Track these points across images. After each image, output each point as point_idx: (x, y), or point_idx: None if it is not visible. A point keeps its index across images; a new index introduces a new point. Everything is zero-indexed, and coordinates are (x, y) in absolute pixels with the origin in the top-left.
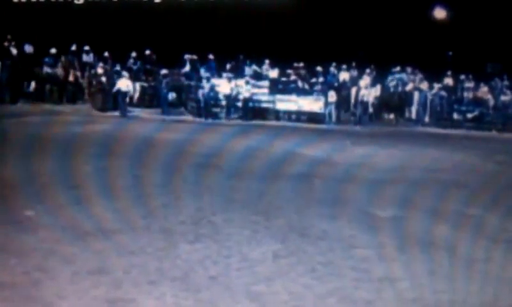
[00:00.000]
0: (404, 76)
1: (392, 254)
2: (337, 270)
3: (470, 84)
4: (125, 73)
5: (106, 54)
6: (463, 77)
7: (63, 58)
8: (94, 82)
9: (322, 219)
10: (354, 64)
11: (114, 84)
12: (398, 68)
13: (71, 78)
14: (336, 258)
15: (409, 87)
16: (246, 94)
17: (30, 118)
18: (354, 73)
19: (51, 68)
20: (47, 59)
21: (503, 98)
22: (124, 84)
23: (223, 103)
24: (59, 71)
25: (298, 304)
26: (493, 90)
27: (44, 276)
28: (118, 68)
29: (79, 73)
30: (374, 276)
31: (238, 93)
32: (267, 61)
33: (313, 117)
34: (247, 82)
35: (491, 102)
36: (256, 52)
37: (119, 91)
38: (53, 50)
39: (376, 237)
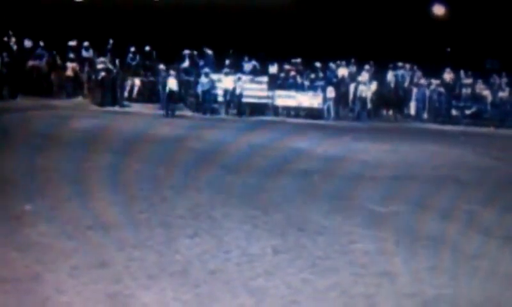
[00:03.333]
0: (403, 72)
1: (391, 249)
2: (336, 265)
3: (468, 81)
4: (172, 72)
5: (111, 42)
6: (461, 73)
7: (46, 53)
8: (93, 77)
9: (321, 214)
10: (353, 60)
11: (114, 79)
12: (398, 64)
13: (69, 73)
14: (335, 253)
15: (407, 83)
16: (239, 90)
17: (29, 113)
18: (353, 69)
19: (38, 60)
20: (38, 51)
21: (501, 94)
22: (173, 83)
23: (221, 98)
24: (44, 64)
25: (297, 298)
26: (491, 86)
27: (44, 270)
28: (117, 62)
29: (77, 67)
30: (373, 271)
31: (235, 89)
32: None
33: (312, 113)
34: (239, 79)
35: (489, 99)
36: (256, 47)
37: (170, 91)
38: (41, 43)
39: (374, 232)
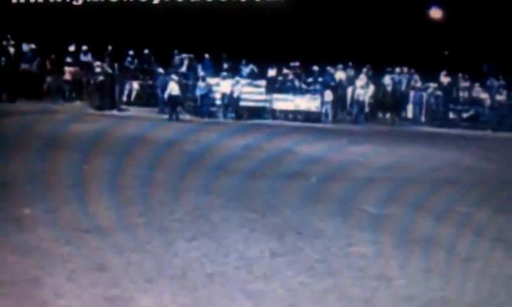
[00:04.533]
0: (400, 75)
1: (388, 252)
2: (334, 268)
3: (465, 84)
4: (174, 76)
5: (109, 46)
6: (458, 76)
7: (37, 57)
8: (91, 81)
9: (318, 218)
10: (350, 63)
11: (113, 83)
12: (396, 69)
13: (67, 77)
14: (333, 256)
15: (404, 86)
16: (236, 94)
17: (28, 117)
18: (351, 72)
19: (28, 64)
20: (28, 55)
21: (498, 97)
22: (174, 87)
23: (219, 102)
24: (35, 68)
25: (295, 302)
26: (489, 90)
27: (42, 274)
28: (115, 67)
29: (75, 71)
30: (370, 274)
31: (233, 92)
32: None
33: (309, 116)
34: (237, 82)
35: (487, 102)
36: (253, 51)
37: (170, 95)
38: (31, 46)
39: (372, 235)
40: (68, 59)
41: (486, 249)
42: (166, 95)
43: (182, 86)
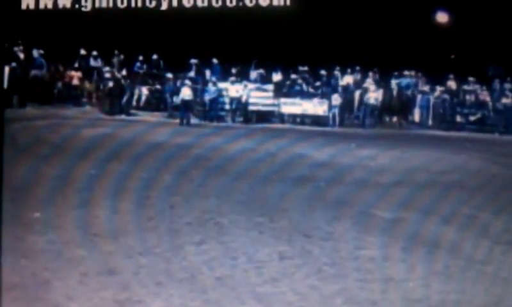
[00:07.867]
0: (407, 79)
1: (396, 255)
2: (342, 271)
3: (472, 87)
4: (187, 81)
5: (122, 57)
6: (465, 80)
7: (46, 63)
8: (101, 86)
9: (326, 221)
10: (357, 67)
11: (122, 88)
12: (403, 71)
13: (77, 82)
14: (342, 259)
15: (411, 90)
16: (245, 98)
17: (38, 122)
18: (358, 76)
19: (39, 69)
20: (38, 61)
21: (505, 100)
22: (187, 92)
23: (228, 106)
24: (45, 74)
25: (304, 304)
26: (495, 93)
27: (53, 277)
28: (124, 72)
29: (84, 76)
30: (379, 277)
31: (241, 97)
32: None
33: (317, 120)
34: (245, 86)
35: (493, 105)
36: (261, 56)
37: (183, 100)
38: (41, 52)
39: (380, 238)
40: (78, 65)
41: (496, 253)
42: (179, 100)
43: (193, 91)
